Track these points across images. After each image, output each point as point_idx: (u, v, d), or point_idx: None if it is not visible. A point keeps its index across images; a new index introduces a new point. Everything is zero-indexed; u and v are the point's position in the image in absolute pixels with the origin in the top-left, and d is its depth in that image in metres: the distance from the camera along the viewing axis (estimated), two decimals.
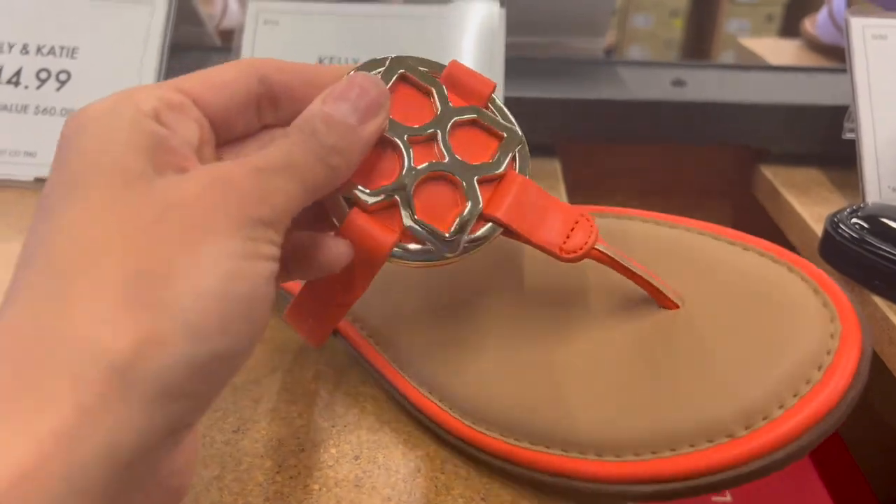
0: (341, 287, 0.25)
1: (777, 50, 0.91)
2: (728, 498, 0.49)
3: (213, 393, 0.19)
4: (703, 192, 0.62)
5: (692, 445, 0.24)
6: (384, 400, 0.32)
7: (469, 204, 0.24)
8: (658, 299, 0.27)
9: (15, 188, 0.48)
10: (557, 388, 0.26)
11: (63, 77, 0.49)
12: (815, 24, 0.88)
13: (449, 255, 0.24)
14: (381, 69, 0.25)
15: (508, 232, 0.25)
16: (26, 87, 0.49)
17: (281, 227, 0.20)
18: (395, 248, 0.24)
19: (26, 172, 0.48)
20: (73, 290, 0.17)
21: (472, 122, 0.25)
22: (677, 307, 0.26)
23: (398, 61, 0.25)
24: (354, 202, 0.24)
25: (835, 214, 0.41)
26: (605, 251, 0.26)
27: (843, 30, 0.48)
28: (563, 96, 0.53)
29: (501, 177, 0.25)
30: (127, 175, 0.18)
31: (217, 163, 0.20)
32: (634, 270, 0.26)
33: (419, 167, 0.24)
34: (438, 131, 0.25)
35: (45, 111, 0.49)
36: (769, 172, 0.54)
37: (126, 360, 0.16)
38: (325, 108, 0.22)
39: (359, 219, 0.24)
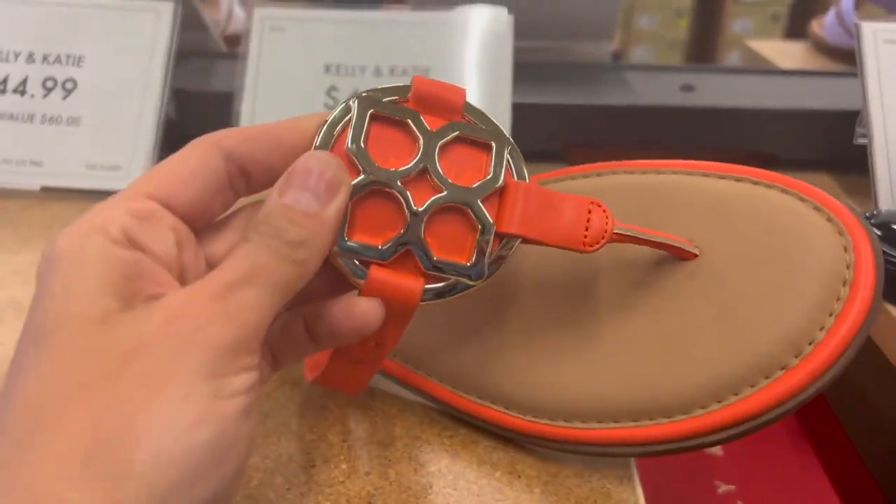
0: (374, 342, 0.25)
1: (784, 52, 0.90)
2: (733, 487, 0.49)
3: None
4: None
5: (753, 386, 0.25)
6: (395, 415, 0.31)
7: (481, 228, 0.24)
8: (678, 255, 0.27)
9: (21, 197, 0.48)
10: (620, 365, 0.27)
11: (69, 86, 0.49)
12: (823, 25, 0.88)
13: (476, 283, 0.24)
14: (352, 115, 0.24)
15: (528, 241, 0.25)
16: (32, 96, 0.49)
17: (255, 344, 0.20)
18: (423, 292, 0.24)
19: (32, 181, 0.47)
20: (31, 466, 0.16)
21: (460, 140, 0.25)
22: (696, 256, 0.27)
23: (364, 102, 0.24)
24: (369, 262, 0.23)
25: None
26: (623, 232, 0.26)
27: (851, 32, 0.48)
28: (572, 102, 0.53)
29: (503, 188, 0.25)
30: (90, 322, 0.18)
31: (178, 293, 0.19)
32: (652, 239, 0.26)
33: (421, 208, 0.23)
34: (427, 165, 0.24)
35: (51, 120, 0.48)
36: None
37: None
38: (285, 200, 0.21)
39: (380, 274, 0.23)
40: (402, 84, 0.25)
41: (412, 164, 0.24)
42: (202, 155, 0.22)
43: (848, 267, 0.25)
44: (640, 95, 0.55)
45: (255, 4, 0.52)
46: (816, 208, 0.26)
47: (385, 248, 0.23)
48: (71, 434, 0.17)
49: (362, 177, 0.23)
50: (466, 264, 0.24)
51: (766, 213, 0.26)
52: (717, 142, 0.54)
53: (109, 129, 0.48)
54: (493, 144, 0.25)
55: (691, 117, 0.53)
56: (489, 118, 0.25)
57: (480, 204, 0.24)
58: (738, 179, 0.28)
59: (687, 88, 0.56)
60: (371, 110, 0.24)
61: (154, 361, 0.18)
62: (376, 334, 0.24)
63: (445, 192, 0.24)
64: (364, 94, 0.24)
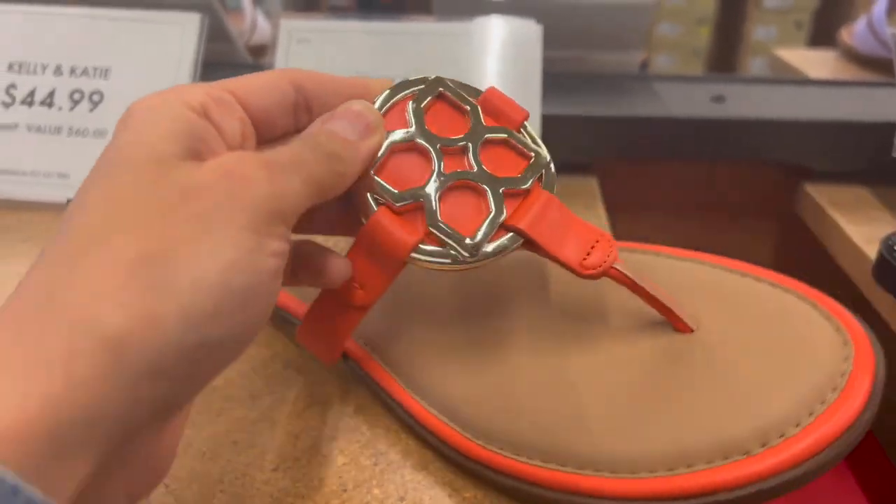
0: (361, 288, 0.26)
1: (812, 60, 0.89)
2: None
3: (201, 380, 0.20)
4: (744, 210, 0.60)
5: (708, 462, 0.24)
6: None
7: (493, 212, 0.25)
8: (673, 322, 0.27)
9: (48, 210, 0.48)
10: (571, 405, 0.26)
11: (96, 98, 0.49)
12: (853, 33, 0.86)
13: (468, 260, 0.25)
14: (422, 86, 0.26)
15: (529, 245, 0.26)
16: (60, 109, 0.49)
17: (290, 221, 0.22)
18: (416, 250, 0.25)
19: (59, 194, 0.47)
20: (83, 265, 0.18)
21: (503, 142, 0.26)
22: (692, 330, 0.27)
23: (438, 81, 0.26)
24: (383, 202, 0.25)
25: (890, 236, 0.40)
26: (622, 270, 0.26)
27: (883, 40, 0.47)
28: (601, 114, 0.52)
29: (527, 192, 0.26)
30: (153, 162, 0.20)
31: (233, 153, 0.21)
32: (650, 291, 0.26)
33: (447, 174, 0.25)
34: (470, 144, 0.26)
35: (77, 132, 0.48)
36: (814, 191, 0.53)
37: (119, 337, 0.17)
38: (328, 126, 0.24)
39: (384, 218, 0.24)
40: (476, 87, 0.27)
41: (456, 137, 0.26)
42: (277, 78, 0.24)
43: (842, 375, 0.24)
44: (670, 107, 0.54)
45: (279, 15, 0.52)
46: (827, 317, 0.26)
47: (401, 193, 0.25)
48: (121, 249, 0.18)
49: (409, 130, 0.25)
50: (465, 238, 0.25)
51: (778, 314, 0.27)
52: (750, 153, 0.53)
53: None
54: (534, 156, 0.26)
55: (723, 129, 0.52)
56: (539, 142, 0.27)
57: (500, 192, 0.25)
58: (757, 280, 0.29)
59: (718, 99, 0.55)
60: (441, 88, 0.26)
61: (206, 206, 0.19)
62: (365, 279, 0.25)
63: (475, 171, 0.25)
64: (440, 77, 0.27)
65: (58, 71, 0.49)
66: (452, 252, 0.25)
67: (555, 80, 0.51)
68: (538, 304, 0.30)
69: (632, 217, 0.59)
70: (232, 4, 0.78)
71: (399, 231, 0.24)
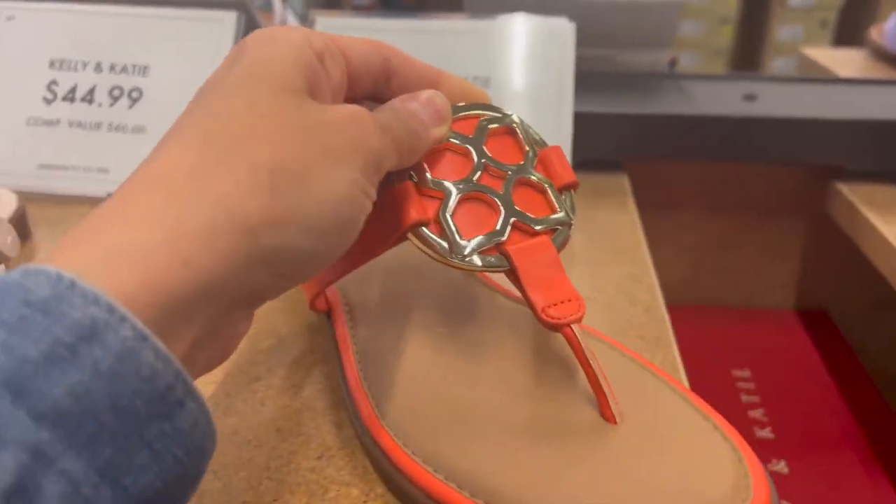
0: (367, 242, 0.27)
1: (841, 60, 0.89)
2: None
3: (292, 282, 0.23)
4: (774, 208, 0.60)
5: None
6: None
7: (495, 230, 0.27)
8: (602, 404, 0.27)
9: (88, 204, 0.49)
10: (486, 437, 0.26)
11: (135, 95, 0.50)
12: (882, 32, 0.86)
13: (454, 258, 0.27)
14: (498, 115, 0.30)
15: (512, 274, 0.27)
16: (100, 105, 0.50)
17: (381, 176, 0.24)
18: (418, 231, 0.27)
19: (99, 188, 0.48)
20: (224, 162, 0.20)
21: (541, 190, 0.29)
22: (615, 423, 0.27)
23: (513, 116, 0.30)
24: (415, 180, 0.27)
25: None
26: (577, 333, 0.26)
27: None
28: (631, 111, 0.53)
29: (534, 234, 0.28)
30: (287, 90, 0.22)
31: (354, 105, 0.24)
32: (592, 366, 0.27)
33: (478, 184, 0.28)
34: (511, 173, 0.29)
35: (117, 128, 0.49)
36: (847, 190, 0.53)
37: (252, 226, 0.20)
38: (407, 104, 0.26)
39: (406, 191, 0.27)
40: (544, 140, 0.30)
41: (504, 164, 0.29)
42: (372, 45, 0.27)
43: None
44: (701, 105, 0.54)
45: (312, 13, 0.53)
46: (745, 473, 0.25)
47: (433, 179, 0.28)
48: (261, 156, 0.21)
49: (468, 137, 0.29)
50: (460, 238, 0.27)
51: (696, 439, 0.27)
52: (781, 152, 0.53)
53: None
54: (559, 211, 0.29)
55: (755, 127, 0.52)
56: (573, 207, 0.29)
57: (511, 220, 0.28)
58: (687, 402, 0.28)
59: (749, 98, 0.55)
60: (513, 124, 0.30)
61: (337, 142, 0.22)
62: (369, 237, 0.26)
63: (501, 193, 0.28)
64: (518, 116, 0.30)
65: (98, 68, 0.51)
66: (444, 244, 0.27)
67: (584, 79, 0.51)
68: (513, 350, 0.30)
69: (662, 215, 0.59)
70: (262, 2, 0.79)
71: (412, 206, 0.27)
